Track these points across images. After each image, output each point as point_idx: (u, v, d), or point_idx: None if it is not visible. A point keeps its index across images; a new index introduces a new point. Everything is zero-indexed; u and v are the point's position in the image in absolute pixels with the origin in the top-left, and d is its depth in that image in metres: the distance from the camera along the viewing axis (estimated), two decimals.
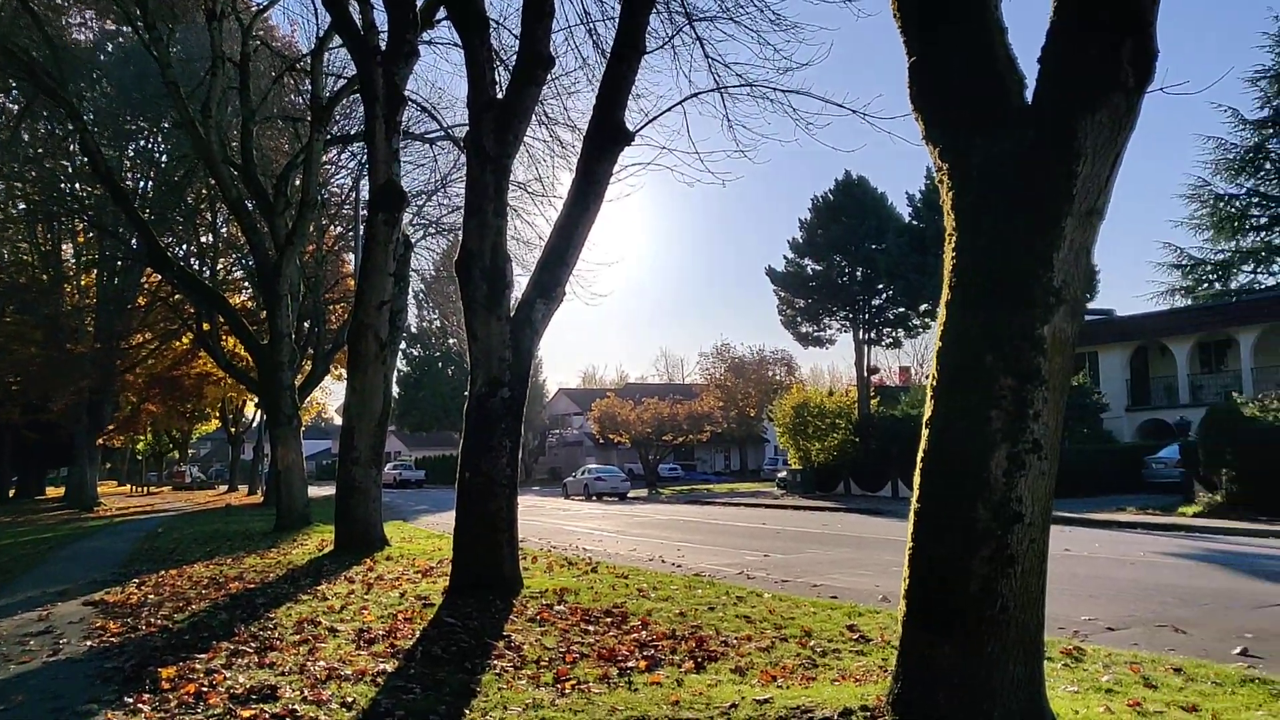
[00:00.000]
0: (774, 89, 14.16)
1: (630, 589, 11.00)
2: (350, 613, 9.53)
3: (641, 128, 12.12)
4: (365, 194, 24.60)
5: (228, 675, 6.68)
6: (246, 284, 40.80)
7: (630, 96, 11.56)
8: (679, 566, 14.39)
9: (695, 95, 14.22)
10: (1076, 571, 13.06)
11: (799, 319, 43.92)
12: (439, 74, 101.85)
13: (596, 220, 11.51)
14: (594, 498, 44.81)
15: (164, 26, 23.11)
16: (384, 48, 17.05)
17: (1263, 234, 46.15)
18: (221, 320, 32.00)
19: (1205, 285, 47.32)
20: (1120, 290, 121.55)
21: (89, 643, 8.38)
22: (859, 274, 41.68)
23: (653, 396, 57.76)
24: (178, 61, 25.26)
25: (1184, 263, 47.61)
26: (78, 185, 37.59)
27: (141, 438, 70.72)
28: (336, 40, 22.20)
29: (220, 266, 39.62)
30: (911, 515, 4.94)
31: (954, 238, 4.96)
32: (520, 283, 11.73)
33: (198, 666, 7.02)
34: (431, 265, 38.30)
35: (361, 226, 23.73)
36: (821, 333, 44.14)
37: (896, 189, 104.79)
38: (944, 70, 5.10)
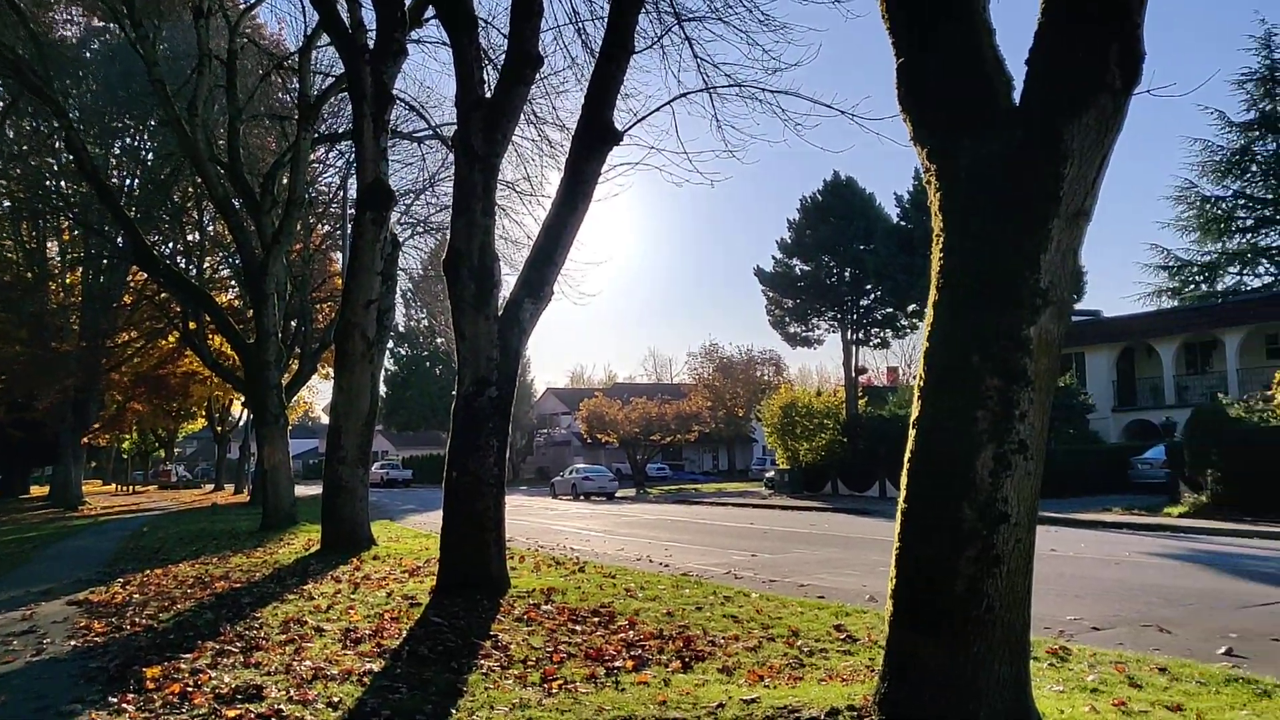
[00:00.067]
0: (763, 89, 14.17)
1: (618, 589, 11.00)
2: (337, 612, 9.50)
3: (630, 127, 12.11)
4: (353, 192, 24.54)
5: (213, 675, 6.65)
6: (233, 282, 40.63)
7: (619, 96, 11.55)
8: (666, 566, 14.40)
9: (684, 95, 14.22)
10: (1063, 571, 13.11)
11: (787, 319, 43.96)
12: (427, 73, 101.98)
13: (585, 220, 11.49)
14: (582, 497, 44.78)
15: (150, 23, 23.02)
16: (372, 46, 17.01)
17: (1249, 236, 46.46)
18: (208, 319, 31.91)
19: (1192, 287, 47.60)
20: (1107, 291, 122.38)
21: (73, 642, 8.33)
22: (847, 274, 41.74)
23: (641, 396, 57.81)
24: (164, 59, 25.17)
25: (1171, 264, 47.89)
26: (63, 183, 37.40)
27: (127, 436, 70.43)
28: (324, 38, 22.14)
29: (207, 265, 39.48)
30: (898, 515, 4.95)
31: (941, 239, 4.97)
32: (508, 282, 11.70)
33: (183, 666, 6.98)
34: (419, 264, 38.29)
35: (349, 225, 23.66)
36: (810, 333, 44.20)
37: (885, 190, 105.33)
38: (932, 71, 5.10)
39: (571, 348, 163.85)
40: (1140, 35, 4.62)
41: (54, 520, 31.29)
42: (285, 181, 24.33)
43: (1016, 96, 4.89)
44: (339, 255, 33.73)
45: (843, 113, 13.69)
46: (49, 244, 41.22)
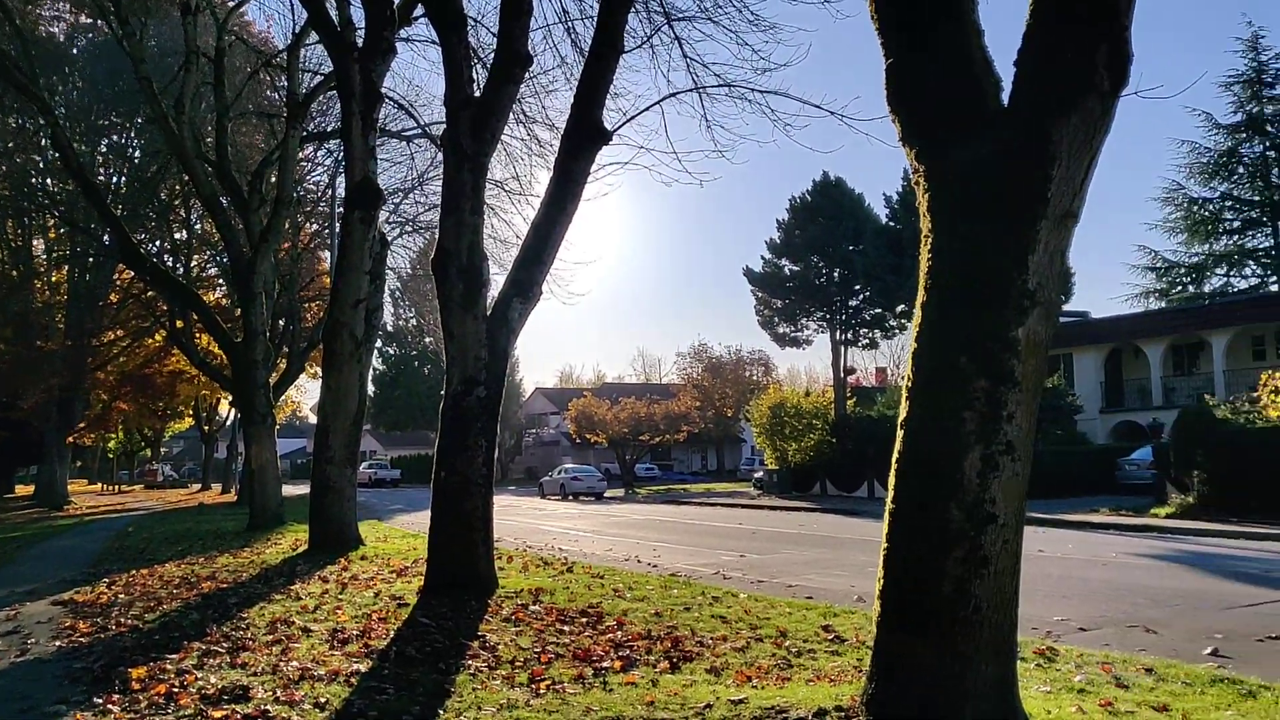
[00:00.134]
0: (752, 89, 14.19)
1: (606, 589, 10.99)
2: (324, 613, 9.47)
3: (619, 127, 12.14)
4: (341, 191, 24.43)
5: (199, 676, 6.61)
6: (221, 281, 40.50)
7: (608, 96, 11.56)
8: (655, 566, 14.39)
9: (673, 95, 14.25)
10: (1050, 572, 13.15)
11: (776, 319, 44.02)
12: (416, 71, 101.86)
13: (574, 219, 11.50)
14: (570, 497, 44.76)
15: (137, 20, 22.93)
16: (361, 44, 16.94)
17: (1235, 237, 46.76)
18: (195, 318, 31.72)
19: (1179, 288, 47.86)
20: (1095, 292, 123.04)
21: (58, 643, 8.28)
22: (836, 275, 41.83)
23: (630, 396, 57.81)
24: (151, 56, 25.09)
25: (1158, 265, 48.16)
26: (49, 180, 37.21)
27: (113, 436, 70.08)
28: (313, 36, 22.07)
29: (194, 263, 39.32)
30: (886, 516, 4.95)
31: (930, 239, 4.98)
32: (497, 281, 11.72)
33: (168, 667, 6.94)
34: (408, 263, 38.15)
35: (337, 224, 23.59)
36: (799, 333, 44.28)
37: (874, 190, 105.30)
38: (921, 72, 5.10)
39: (560, 348, 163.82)
40: (1128, 37, 4.62)
41: (39, 520, 31.12)
42: (273, 180, 24.23)
43: (1005, 98, 4.90)
44: (327, 254, 33.64)
45: (832, 113, 13.73)
46: (35, 242, 40.98)
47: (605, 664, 6.91)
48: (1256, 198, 45.84)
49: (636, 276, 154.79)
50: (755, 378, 65.81)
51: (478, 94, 11.68)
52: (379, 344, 66.85)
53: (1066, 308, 43.26)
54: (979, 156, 4.80)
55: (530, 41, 11.95)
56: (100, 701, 6.05)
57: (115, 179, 39.54)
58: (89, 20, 36.11)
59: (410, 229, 33.45)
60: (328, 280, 29.28)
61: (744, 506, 34.00)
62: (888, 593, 4.89)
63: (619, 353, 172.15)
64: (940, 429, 4.74)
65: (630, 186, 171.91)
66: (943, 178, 4.95)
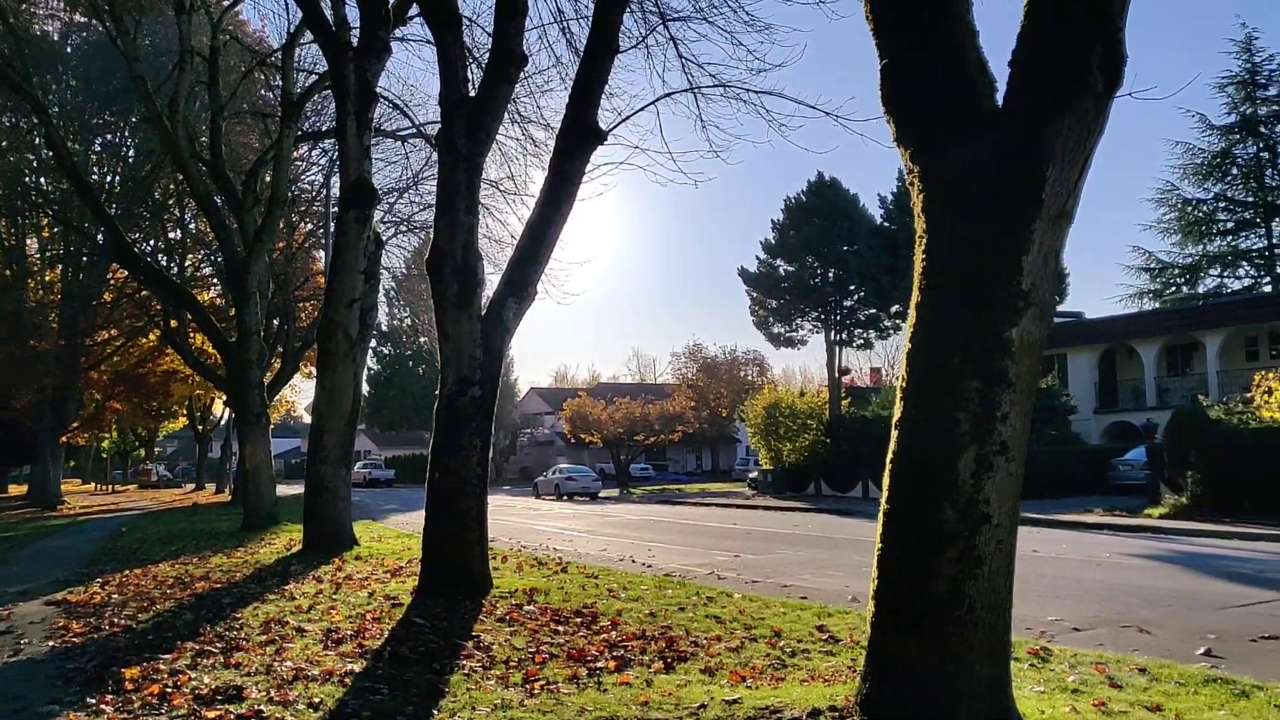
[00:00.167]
0: (747, 89, 14.19)
1: (600, 589, 10.99)
2: (318, 613, 9.45)
3: (614, 127, 12.11)
4: (336, 191, 24.45)
5: (192, 676, 6.60)
6: (215, 281, 40.40)
7: (603, 95, 11.54)
8: (649, 567, 14.39)
9: (669, 95, 14.23)
10: (1044, 572, 13.17)
11: (771, 319, 44.04)
12: (411, 71, 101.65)
13: (569, 219, 11.49)
14: (565, 497, 44.73)
15: (131, 19, 22.85)
16: (356, 44, 16.94)
17: (1229, 238, 46.89)
18: (189, 317, 31.67)
19: (1173, 289, 47.99)
20: (1090, 293, 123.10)
21: (51, 643, 8.26)
22: (831, 275, 41.86)
23: (625, 396, 57.75)
24: (145, 55, 25.01)
25: (1152, 266, 48.28)
26: (42, 179, 37.14)
27: (106, 435, 69.83)
28: (308, 36, 22.02)
29: (188, 263, 39.23)
30: (880, 516, 4.95)
31: (924, 240, 4.98)
32: (492, 281, 11.69)
33: (162, 667, 6.93)
34: (403, 263, 38.19)
35: (332, 224, 23.57)
36: (793, 333, 44.30)
37: (869, 191, 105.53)
38: (915, 73, 5.11)
39: (555, 347, 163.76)
40: (1122, 38, 4.63)
41: (32, 520, 31.04)
42: (268, 179, 24.17)
43: (999, 99, 4.90)
44: (322, 254, 33.56)
45: (827, 114, 13.73)
46: (28, 241, 40.90)
47: (600, 664, 6.91)
48: (1250, 199, 45.97)
49: (632, 276, 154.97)
50: (750, 378, 65.86)
51: (473, 94, 11.67)
52: (374, 344, 66.80)
53: (1061, 308, 43.38)
54: (973, 157, 4.80)
55: (525, 41, 11.94)
56: (93, 702, 6.04)
57: (109, 178, 39.44)
58: (83, 19, 36.01)
59: (405, 229, 33.48)
60: (322, 280, 29.24)
61: (739, 507, 34.00)
62: (882, 593, 4.90)
63: (614, 353, 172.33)
64: (935, 429, 4.75)
65: (625, 186, 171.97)
66: (937, 178, 4.96)
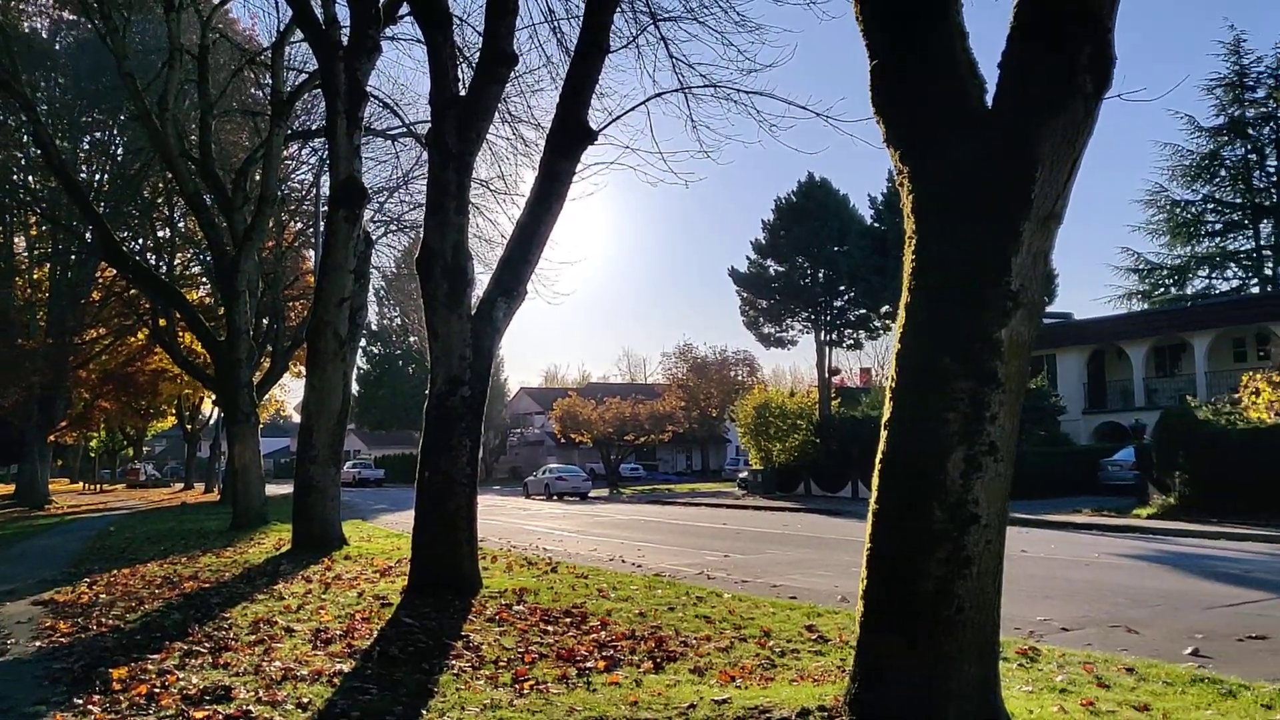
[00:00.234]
0: (737, 90, 14.22)
1: (590, 589, 10.99)
2: (307, 613, 9.43)
3: (605, 127, 12.13)
4: (326, 190, 24.37)
5: (181, 676, 6.58)
6: (204, 279, 40.25)
7: (594, 95, 11.55)
8: (639, 567, 14.39)
9: (659, 95, 14.26)
10: (1032, 572, 13.20)
11: (761, 320, 44.11)
12: (401, 70, 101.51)
13: (559, 219, 11.50)
14: (555, 497, 44.71)
15: (120, 17, 22.76)
16: (346, 42, 16.89)
17: (1217, 240, 47.12)
18: (178, 316, 31.54)
19: (1161, 290, 48.19)
20: (1079, 293, 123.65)
21: (37, 643, 8.21)
22: (821, 276, 41.94)
23: (615, 396, 57.77)
24: (134, 53, 24.91)
25: (1141, 267, 48.49)
26: (31, 178, 36.91)
27: (95, 435, 69.56)
28: (298, 34, 21.96)
29: (177, 262, 39.06)
30: (870, 516, 4.96)
31: (913, 241, 4.99)
32: (482, 281, 11.71)
33: (150, 667, 6.90)
34: (392, 262, 37.99)
35: (322, 223, 23.50)
36: (783, 334, 44.40)
37: (859, 192, 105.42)
38: (905, 74, 5.11)
39: (545, 347, 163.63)
40: (1111, 40, 4.65)
41: (19, 519, 30.89)
42: (257, 178, 24.10)
43: (989, 100, 4.92)
44: (311, 253, 33.50)
45: (817, 114, 13.76)
46: (16, 239, 40.62)
47: (589, 664, 6.91)
48: (1238, 200, 46.20)
49: (622, 276, 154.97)
50: (740, 378, 65.78)
51: (463, 93, 11.66)
52: (363, 343, 66.68)
53: (1050, 309, 43.50)
54: (963, 158, 4.81)
55: (516, 41, 11.95)
56: (80, 702, 6.01)
57: (98, 176, 39.23)
58: (72, 16, 35.85)
59: (395, 228, 33.38)
60: (312, 279, 29.15)
61: (728, 507, 34.04)
62: (871, 593, 4.90)
63: (604, 353, 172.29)
64: (924, 429, 4.75)
65: (616, 186, 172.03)
66: (927, 179, 4.97)
